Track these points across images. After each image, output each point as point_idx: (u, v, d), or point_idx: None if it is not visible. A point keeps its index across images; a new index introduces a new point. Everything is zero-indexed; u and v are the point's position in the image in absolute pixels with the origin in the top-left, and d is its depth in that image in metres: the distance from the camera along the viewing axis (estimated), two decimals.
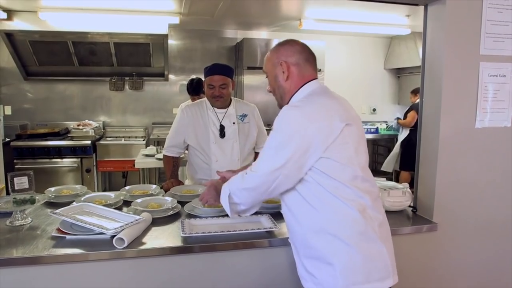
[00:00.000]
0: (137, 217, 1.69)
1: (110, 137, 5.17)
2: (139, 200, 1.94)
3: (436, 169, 1.91)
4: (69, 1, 3.98)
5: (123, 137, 5.18)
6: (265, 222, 1.72)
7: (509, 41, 1.91)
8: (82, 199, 2.00)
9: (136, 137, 5.23)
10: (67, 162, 4.69)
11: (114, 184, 5.37)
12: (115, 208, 1.94)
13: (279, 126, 1.33)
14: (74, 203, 1.95)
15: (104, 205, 1.93)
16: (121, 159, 4.84)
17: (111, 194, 2.12)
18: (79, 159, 4.70)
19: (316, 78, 1.47)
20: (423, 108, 2.02)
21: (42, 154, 4.61)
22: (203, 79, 2.50)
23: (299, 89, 1.43)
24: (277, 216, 1.85)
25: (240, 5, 4.16)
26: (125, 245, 1.50)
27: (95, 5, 4.12)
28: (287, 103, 1.44)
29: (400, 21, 4.77)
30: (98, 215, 1.77)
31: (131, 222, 1.62)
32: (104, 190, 5.09)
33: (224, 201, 1.43)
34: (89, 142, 4.70)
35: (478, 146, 1.96)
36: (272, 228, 1.64)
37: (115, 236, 1.52)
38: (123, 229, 1.56)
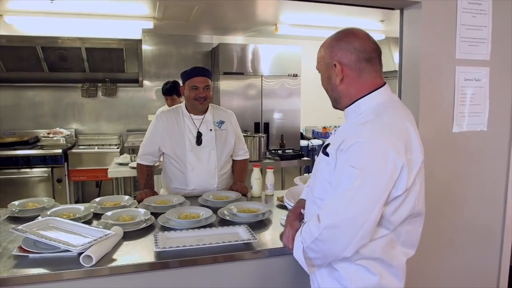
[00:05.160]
0: (107, 231, 1.59)
1: (82, 145, 4.99)
2: (109, 213, 1.84)
3: None
4: (37, 5, 3.82)
5: (96, 145, 5.00)
6: (243, 234, 1.65)
7: (483, 46, 1.92)
8: (48, 213, 1.88)
9: (110, 145, 5.06)
10: (37, 172, 4.48)
11: (87, 194, 5.18)
12: (84, 222, 1.84)
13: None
14: (39, 217, 1.83)
15: (73, 219, 1.82)
16: (94, 168, 4.67)
17: (81, 206, 2.00)
18: (50, 169, 4.50)
19: (383, 84, 1.28)
20: None
21: (9, 164, 4.39)
22: (181, 83, 2.43)
23: (364, 96, 1.25)
24: (254, 226, 1.79)
25: (215, 10, 4.10)
26: (93, 262, 1.40)
27: (65, 9, 3.97)
28: (344, 107, 1.31)
29: (374, 26, 4.80)
30: (65, 230, 1.66)
31: (100, 238, 1.52)
32: (77, 201, 4.91)
33: None
34: (60, 150, 4.51)
35: (456, 151, 1.96)
36: (251, 240, 1.57)
37: (82, 253, 1.42)
38: (91, 246, 1.46)
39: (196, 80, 2.30)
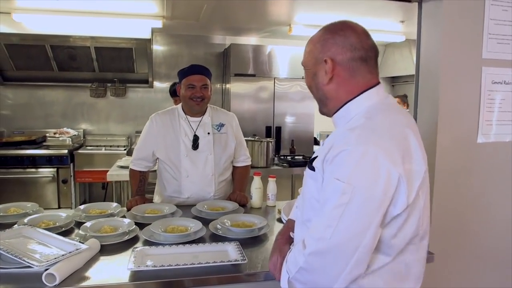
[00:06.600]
0: (80, 245, 1.43)
1: (90, 145, 4.90)
2: (88, 224, 1.67)
3: (433, 191, 1.66)
4: (45, 3, 3.74)
5: (104, 146, 4.90)
6: (232, 253, 1.46)
7: None
8: (26, 220, 1.74)
9: (118, 146, 4.97)
10: (43, 172, 4.41)
11: (94, 196, 5.10)
12: (64, 232, 1.69)
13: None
14: (15, 225, 1.69)
15: (52, 228, 1.67)
16: (100, 170, 4.55)
17: (62, 214, 1.85)
18: (55, 169, 4.42)
19: (377, 83, 1.10)
20: (417, 120, 1.77)
21: (15, 163, 4.33)
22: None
23: (353, 98, 1.08)
24: (248, 243, 1.60)
25: (226, 9, 3.94)
26: (57, 282, 1.24)
27: (73, 7, 3.88)
28: (332, 112, 1.13)
29: (394, 27, 4.56)
30: (38, 241, 1.51)
31: (70, 252, 1.36)
32: (83, 202, 4.81)
33: None
34: (65, 151, 4.43)
35: (481, 164, 1.72)
36: (239, 260, 1.38)
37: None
38: (57, 262, 1.30)
39: (193, 78, 2.13)
